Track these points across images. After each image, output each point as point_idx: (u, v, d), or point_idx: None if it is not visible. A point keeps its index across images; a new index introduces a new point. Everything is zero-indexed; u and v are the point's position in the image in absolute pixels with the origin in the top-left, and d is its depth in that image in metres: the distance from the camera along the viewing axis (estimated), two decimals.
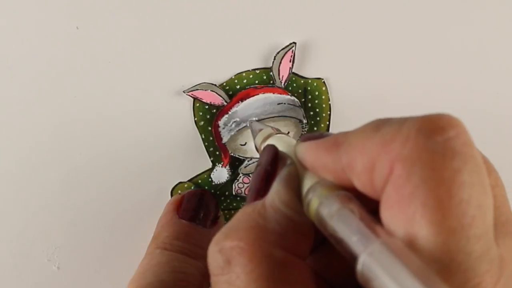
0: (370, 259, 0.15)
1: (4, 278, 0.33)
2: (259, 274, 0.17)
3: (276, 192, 0.19)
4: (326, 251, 0.21)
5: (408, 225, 0.15)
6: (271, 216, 0.18)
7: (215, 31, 0.30)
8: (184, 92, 0.30)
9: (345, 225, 0.16)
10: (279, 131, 0.25)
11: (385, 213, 0.16)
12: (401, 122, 0.16)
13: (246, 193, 0.33)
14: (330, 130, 0.32)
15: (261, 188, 0.20)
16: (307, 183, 0.19)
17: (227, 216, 0.33)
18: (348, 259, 0.16)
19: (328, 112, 0.32)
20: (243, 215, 0.19)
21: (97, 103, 0.31)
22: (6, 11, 0.29)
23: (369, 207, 0.17)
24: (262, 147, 0.24)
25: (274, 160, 0.21)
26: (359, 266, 0.15)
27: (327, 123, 0.32)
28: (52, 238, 0.32)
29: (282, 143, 0.22)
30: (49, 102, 0.30)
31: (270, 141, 0.24)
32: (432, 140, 0.15)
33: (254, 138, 0.27)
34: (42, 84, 0.30)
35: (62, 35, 0.30)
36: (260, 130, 0.26)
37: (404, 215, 0.15)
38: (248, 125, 0.31)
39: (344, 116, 0.32)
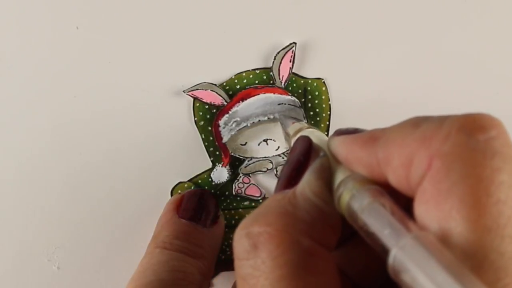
0: (402, 253, 0.15)
1: (4, 278, 0.33)
2: (285, 261, 0.17)
3: (308, 181, 0.19)
4: (350, 248, 0.21)
5: (443, 221, 0.15)
6: (301, 205, 0.18)
7: (215, 31, 0.30)
8: (184, 92, 0.30)
9: (376, 219, 0.16)
10: (310, 126, 0.26)
11: (420, 208, 0.16)
12: (442, 119, 0.16)
13: (246, 193, 0.33)
14: (330, 130, 0.32)
15: (293, 177, 0.20)
16: (339, 176, 0.19)
17: (227, 216, 0.33)
18: (379, 253, 0.16)
19: (328, 112, 0.32)
20: (273, 202, 0.19)
21: (97, 103, 0.31)
22: (6, 11, 0.29)
23: (399, 204, 0.17)
24: (293, 140, 0.24)
25: (307, 151, 0.21)
26: (391, 260, 0.15)
27: (327, 123, 0.32)
28: (52, 238, 0.32)
29: (314, 137, 0.22)
30: (49, 102, 0.30)
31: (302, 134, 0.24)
32: (473, 138, 0.15)
33: (284, 131, 0.27)
34: (42, 84, 0.30)
35: (62, 35, 0.30)
36: (293, 123, 0.26)
37: (440, 210, 0.15)
38: (251, 123, 0.31)
39: (344, 116, 0.32)
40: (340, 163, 0.20)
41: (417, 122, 0.17)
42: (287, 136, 0.26)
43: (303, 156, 0.21)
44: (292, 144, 0.24)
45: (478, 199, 0.15)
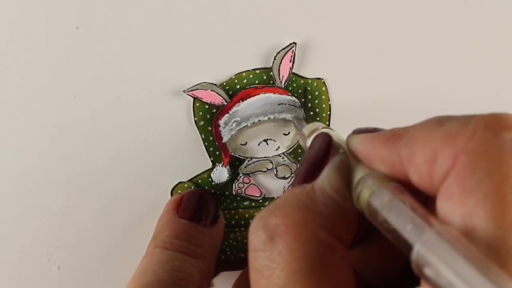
0: (426, 247, 0.15)
1: (4, 278, 0.33)
2: (302, 254, 0.17)
3: (327, 177, 0.19)
4: (363, 248, 0.21)
5: (467, 217, 0.15)
6: (319, 199, 0.19)
7: (215, 31, 0.30)
8: (184, 92, 0.30)
9: (397, 215, 0.16)
10: (326, 126, 0.26)
11: (443, 204, 0.16)
12: (468, 117, 0.16)
13: (246, 193, 0.33)
14: None
15: (311, 172, 0.20)
16: (358, 173, 0.19)
17: (227, 216, 0.33)
18: (401, 249, 0.16)
19: (328, 112, 0.32)
20: (291, 195, 0.19)
21: (97, 103, 0.31)
22: (6, 11, 0.29)
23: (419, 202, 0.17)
24: (308, 140, 0.25)
25: (327, 147, 0.21)
26: (414, 255, 0.15)
27: (327, 123, 0.32)
28: (52, 238, 0.32)
29: (332, 135, 0.23)
30: (48, 102, 0.30)
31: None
32: (500, 136, 0.16)
33: (299, 131, 0.28)
34: (42, 84, 0.30)
35: (62, 35, 0.30)
36: (307, 123, 0.27)
37: (465, 206, 0.15)
38: (251, 123, 0.31)
39: (344, 116, 0.32)
40: (358, 161, 0.20)
41: (441, 120, 0.17)
42: (302, 137, 0.27)
43: (322, 152, 0.21)
44: (307, 143, 0.25)
45: (503, 196, 0.15)
